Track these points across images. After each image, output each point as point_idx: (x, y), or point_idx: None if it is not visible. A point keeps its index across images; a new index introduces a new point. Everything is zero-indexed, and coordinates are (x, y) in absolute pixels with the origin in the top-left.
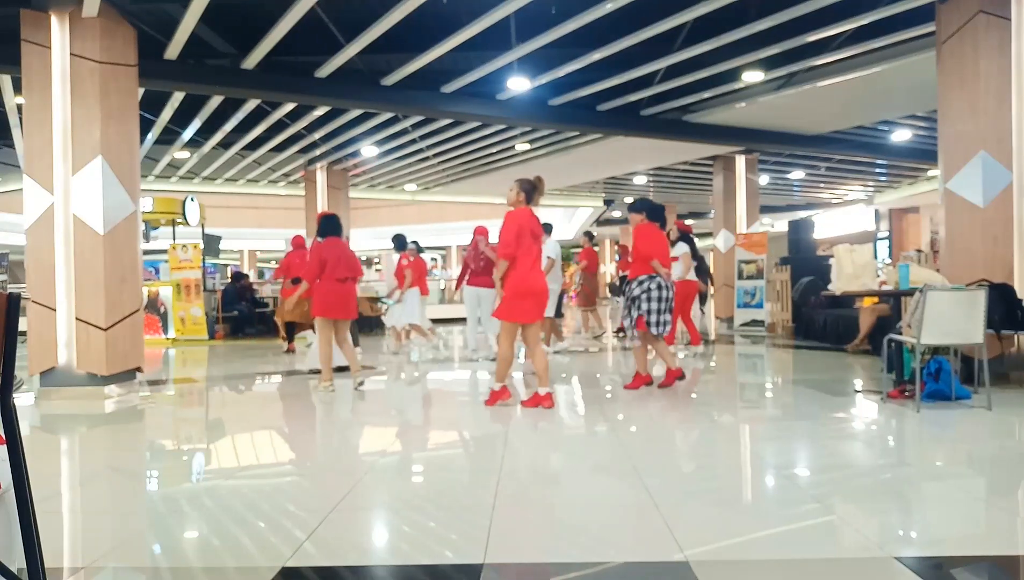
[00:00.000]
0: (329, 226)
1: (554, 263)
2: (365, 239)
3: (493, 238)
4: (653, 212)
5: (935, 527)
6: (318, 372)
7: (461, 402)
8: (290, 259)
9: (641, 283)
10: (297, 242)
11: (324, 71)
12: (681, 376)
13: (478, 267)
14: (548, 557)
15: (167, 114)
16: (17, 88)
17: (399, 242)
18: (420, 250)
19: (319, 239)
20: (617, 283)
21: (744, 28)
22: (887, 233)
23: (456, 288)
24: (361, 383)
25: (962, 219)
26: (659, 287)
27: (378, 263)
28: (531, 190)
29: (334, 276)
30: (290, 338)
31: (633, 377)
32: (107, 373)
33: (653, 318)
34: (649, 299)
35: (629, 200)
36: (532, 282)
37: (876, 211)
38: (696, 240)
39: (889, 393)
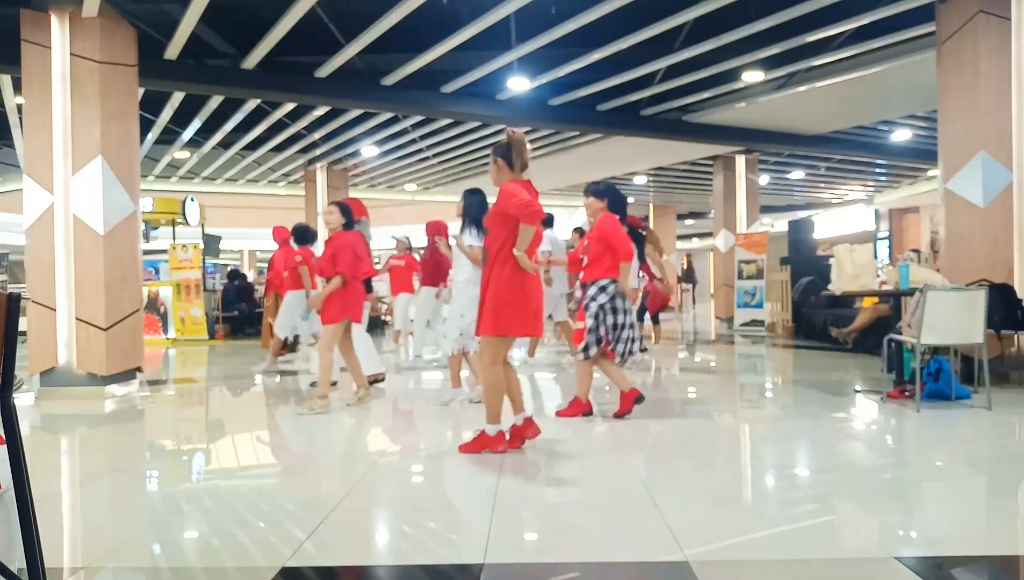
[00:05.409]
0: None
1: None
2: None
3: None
4: (617, 201)
5: (935, 527)
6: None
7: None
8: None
9: (605, 289)
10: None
11: (324, 71)
12: (640, 398)
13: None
14: (548, 557)
15: (167, 114)
16: (17, 88)
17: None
18: None
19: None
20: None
21: (744, 28)
22: (887, 233)
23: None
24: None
25: (962, 219)
26: (623, 297)
27: (377, 263)
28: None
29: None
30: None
31: (571, 402)
32: (107, 373)
33: (624, 334)
34: (615, 311)
35: (630, 200)
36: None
37: (876, 211)
38: (696, 240)
39: (889, 393)
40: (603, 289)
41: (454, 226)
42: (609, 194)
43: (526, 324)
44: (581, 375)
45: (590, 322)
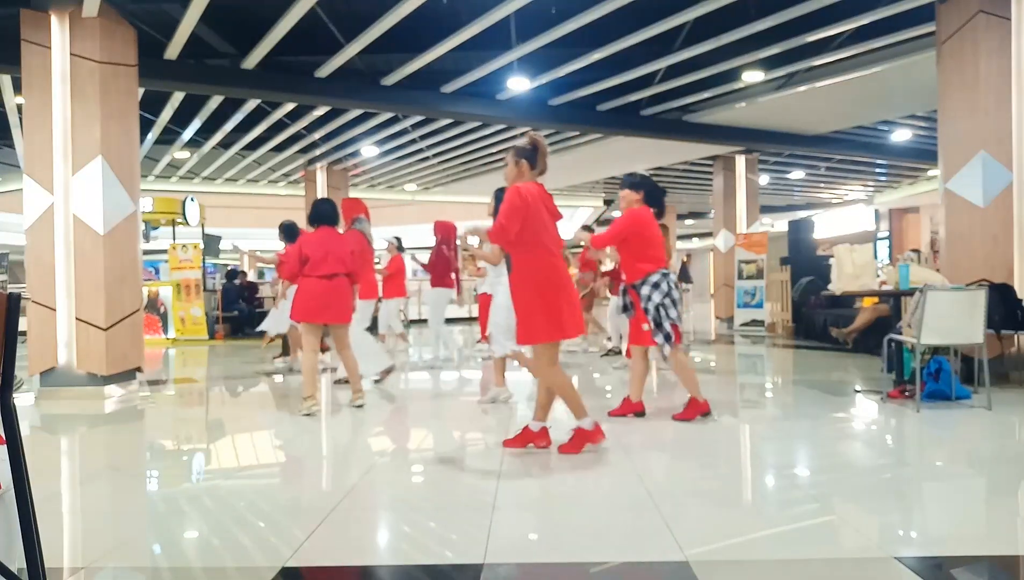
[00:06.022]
0: (320, 214)
1: None
2: None
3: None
4: (654, 193)
5: (935, 527)
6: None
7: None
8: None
9: (658, 285)
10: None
11: (324, 71)
12: (641, 412)
13: None
14: (548, 557)
15: (167, 114)
16: (17, 88)
17: None
18: None
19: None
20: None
21: (744, 28)
22: (887, 233)
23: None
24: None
25: (962, 219)
26: (676, 285)
27: (378, 263)
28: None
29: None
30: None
31: (687, 404)
32: (107, 373)
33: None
34: (674, 302)
35: None
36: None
37: (876, 211)
38: (696, 240)
39: (889, 393)
40: (656, 286)
41: (462, 227)
42: (646, 186)
43: (562, 328)
44: (681, 373)
45: (653, 323)
